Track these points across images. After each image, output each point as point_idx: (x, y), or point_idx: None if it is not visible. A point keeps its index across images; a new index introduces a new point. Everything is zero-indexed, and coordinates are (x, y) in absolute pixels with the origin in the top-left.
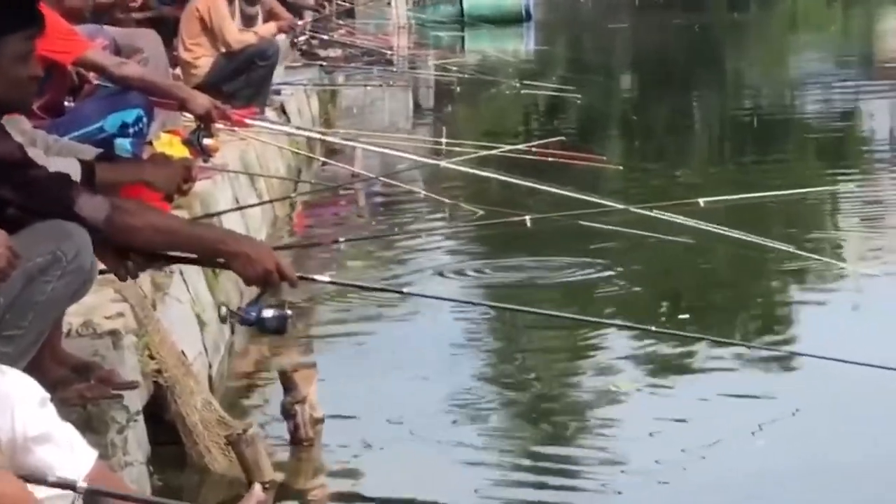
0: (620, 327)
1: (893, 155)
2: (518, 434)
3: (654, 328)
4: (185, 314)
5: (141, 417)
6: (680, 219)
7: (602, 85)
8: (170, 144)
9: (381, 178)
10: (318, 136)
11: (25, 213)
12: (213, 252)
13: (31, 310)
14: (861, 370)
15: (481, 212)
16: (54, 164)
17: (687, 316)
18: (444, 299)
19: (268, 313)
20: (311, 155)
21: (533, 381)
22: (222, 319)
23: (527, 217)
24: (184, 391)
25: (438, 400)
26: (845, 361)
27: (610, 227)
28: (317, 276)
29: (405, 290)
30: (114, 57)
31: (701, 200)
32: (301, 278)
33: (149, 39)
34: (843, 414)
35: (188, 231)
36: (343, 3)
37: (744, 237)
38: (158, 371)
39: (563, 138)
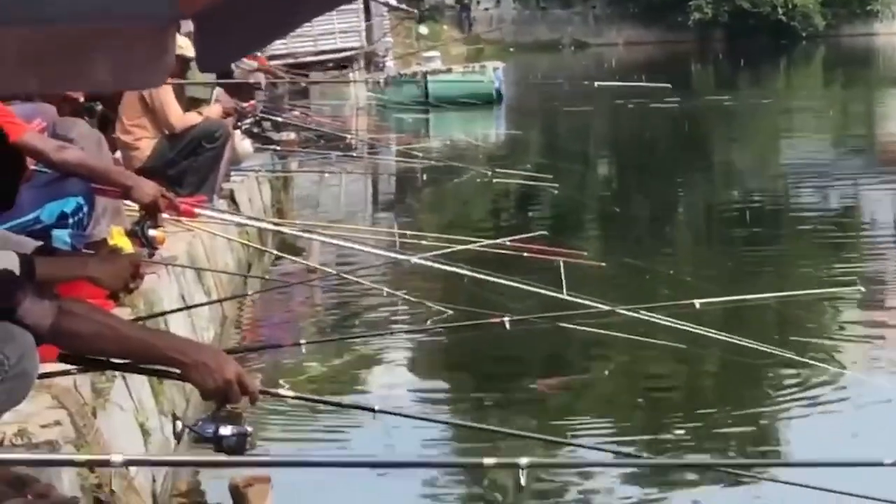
0: (613, 454)
1: None
2: None
3: (648, 458)
4: (128, 423)
5: None
6: (669, 321)
7: (580, 173)
8: (110, 235)
9: (342, 275)
10: (272, 227)
11: None
12: (167, 361)
13: None
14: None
15: (450, 312)
16: None
17: (681, 432)
18: (419, 418)
19: (226, 430)
20: (263, 248)
21: None
22: (177, 436)
23: (506, 318)
24: None
25: None
26: (837, 492)
27: (596, 331)
28: (281, 391)
29: (377, 407)
30: (52, 140)
31: (696, 302)
32: (263, 392)
33: (80, 129)
34: None
35: (141, 338)
36: (296, 83)
37: (741, 342)
38: (99, 486)
39: (545, 233)
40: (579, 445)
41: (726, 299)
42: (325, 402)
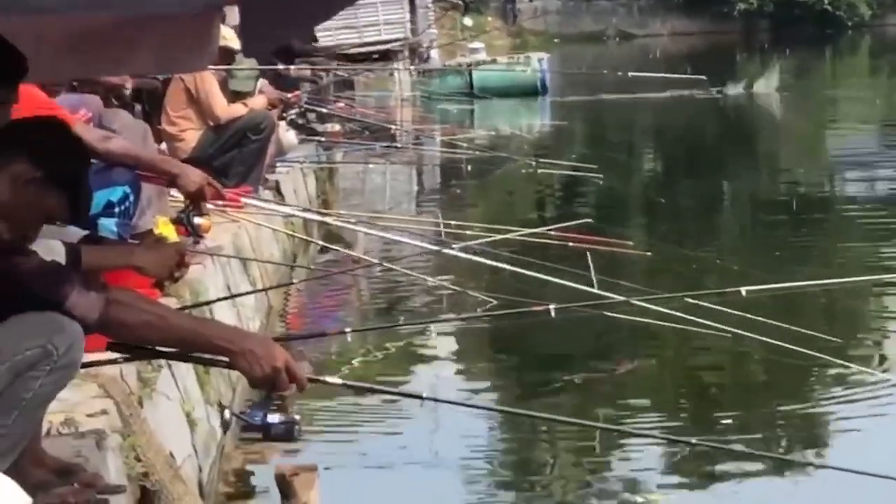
0: (652, 438)
1: None
2: None
3: (694, 440)
4: (174, 412)
5: None
6: (708, 322)
7: (625, 163)
8: (156, 225)
9: (385, 265)
10: (318, 218)
11: (10, 303)
12: (214, 349)
13: (15, 408)
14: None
15: (494, 301)
16: (37, 248)
17: (728, 422)
18: (466, 405)
19: (274, 418)
20: (308, 238)
21: (556, 492)
22: (225, 425)
23: (551, 307)
24: (172, 497)
25: None
26: (882, 477)
27: (639, 319)
28: (329, 379)
29: (424, 394)
30: (97, 130)
31: (743, 289)
32: (311, 380)
33: (124, 120)
34: None
35: (188, 326)
36: (341, 74)
37: (784, 345)
38: (145, 474)
39: (589, 220)
40: (626, 432)
41: (773, 286)
42: (372, 390)
